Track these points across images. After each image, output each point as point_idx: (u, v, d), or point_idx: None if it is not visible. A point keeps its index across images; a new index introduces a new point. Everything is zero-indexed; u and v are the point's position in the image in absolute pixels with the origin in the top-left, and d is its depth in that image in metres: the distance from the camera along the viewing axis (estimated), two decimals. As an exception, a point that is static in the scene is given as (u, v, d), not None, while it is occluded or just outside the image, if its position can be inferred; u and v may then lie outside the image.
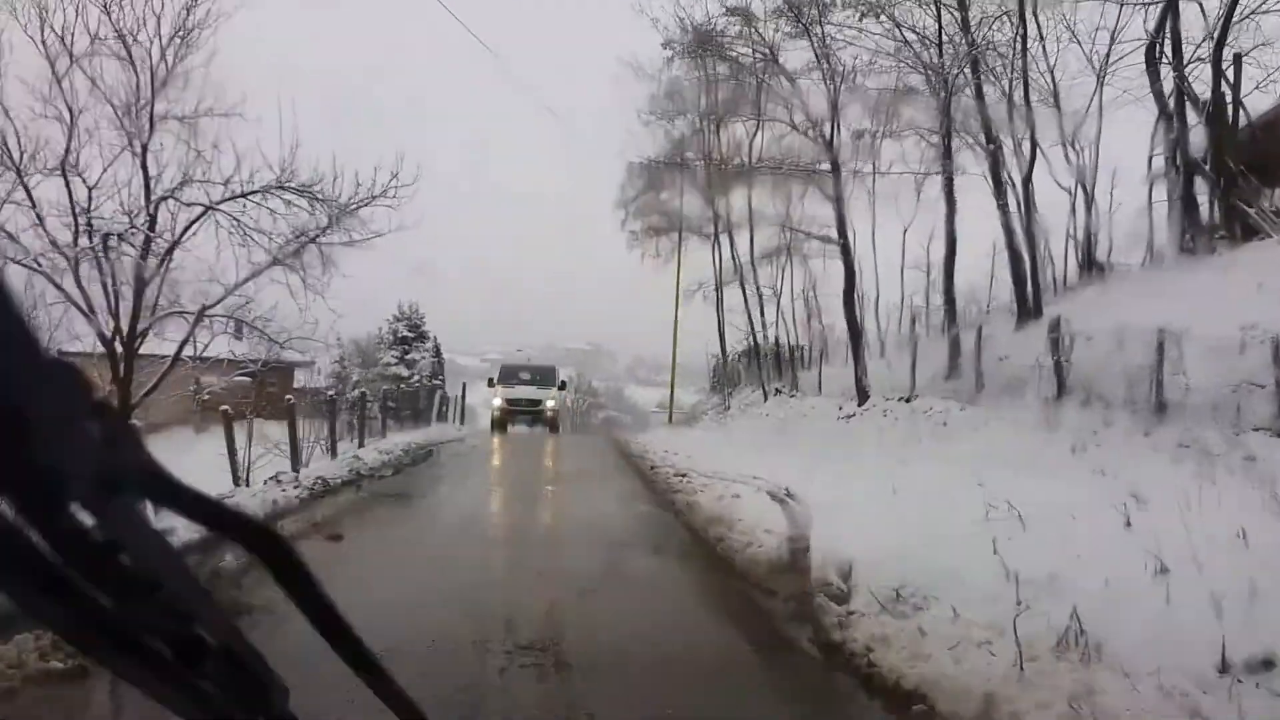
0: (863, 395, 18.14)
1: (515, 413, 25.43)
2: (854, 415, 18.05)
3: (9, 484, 0.49)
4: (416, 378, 38.45)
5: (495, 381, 27.19)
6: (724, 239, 22.79)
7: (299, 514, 8.73)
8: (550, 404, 25.77)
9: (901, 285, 26.41)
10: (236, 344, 19.94)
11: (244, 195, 11.80)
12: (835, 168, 17.65)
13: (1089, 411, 13.20)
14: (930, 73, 16.85)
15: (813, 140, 17.42)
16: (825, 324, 24.27)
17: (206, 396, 19.99)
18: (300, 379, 38.26)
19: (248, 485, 11.04)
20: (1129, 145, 22.25)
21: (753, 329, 23.32)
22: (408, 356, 39.71)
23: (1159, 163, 20.49)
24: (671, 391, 29.73)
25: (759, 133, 18.96)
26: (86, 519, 0.53)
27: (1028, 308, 17.65)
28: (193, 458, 11.29)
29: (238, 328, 23.53)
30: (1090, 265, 21.54)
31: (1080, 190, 21.46)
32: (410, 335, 40.24)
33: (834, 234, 18.21)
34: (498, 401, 26.02)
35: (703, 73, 17.93)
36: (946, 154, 16.87)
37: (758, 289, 22.98)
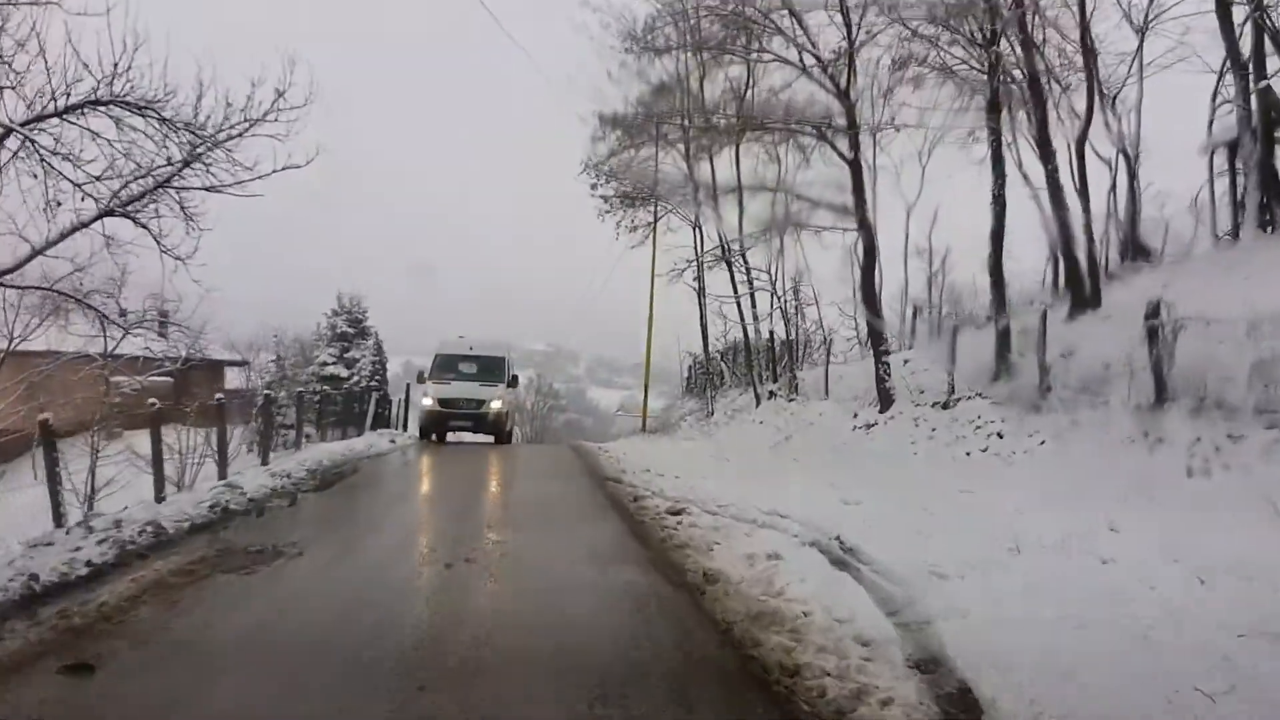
0: (885, 400, 14.91)
1: (452, 416, 19.56)
2: (875, 425, 14.81)
3: None
4: (356, 378, 34.67)
5: (426, 375, 20.72)
6: (709, 210, 19.44)
7: (60, 602, 5.17)
8: (497, 404, 19.59)
9: (905, 272, 23.34)
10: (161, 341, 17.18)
11: (59, 114, 8.18)
12: (851, 119, 14.39)
13: (1202, 421, 10.07)
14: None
15: (823, 86, 14.12)
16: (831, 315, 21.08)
17: (118, 399, 16.32)
18: (238, 380, 34.35)
19: (64, 528, 7.50)
20: (1174, 112, 19.40)
21: (743, 320, 20.03)
22: (347, 355, 35.85)
23: (1216, 130, 17.70)
24: (645, 393, 26.27)
25: (752, 85, 15.64)
26: None
27: (1083, 295, 14.52)
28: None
29: (161, 323, 20.23)
30: (1134, 248, 18.65)
31: (1123, 162, 18.53)
32: (351, 331, 36.39)
33: (848, 204, 14.92)
34: (428, 402, 19.81)
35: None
36: (993, 105, 13.67)
37: (748, 272, 19.65)
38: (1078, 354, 12.73)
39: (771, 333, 19.54)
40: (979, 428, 12.84)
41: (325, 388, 29.33)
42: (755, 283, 19.65)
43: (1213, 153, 16.61)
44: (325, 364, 35.45)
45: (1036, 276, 23.22)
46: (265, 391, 19.57)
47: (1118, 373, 11.92)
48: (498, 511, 8.93)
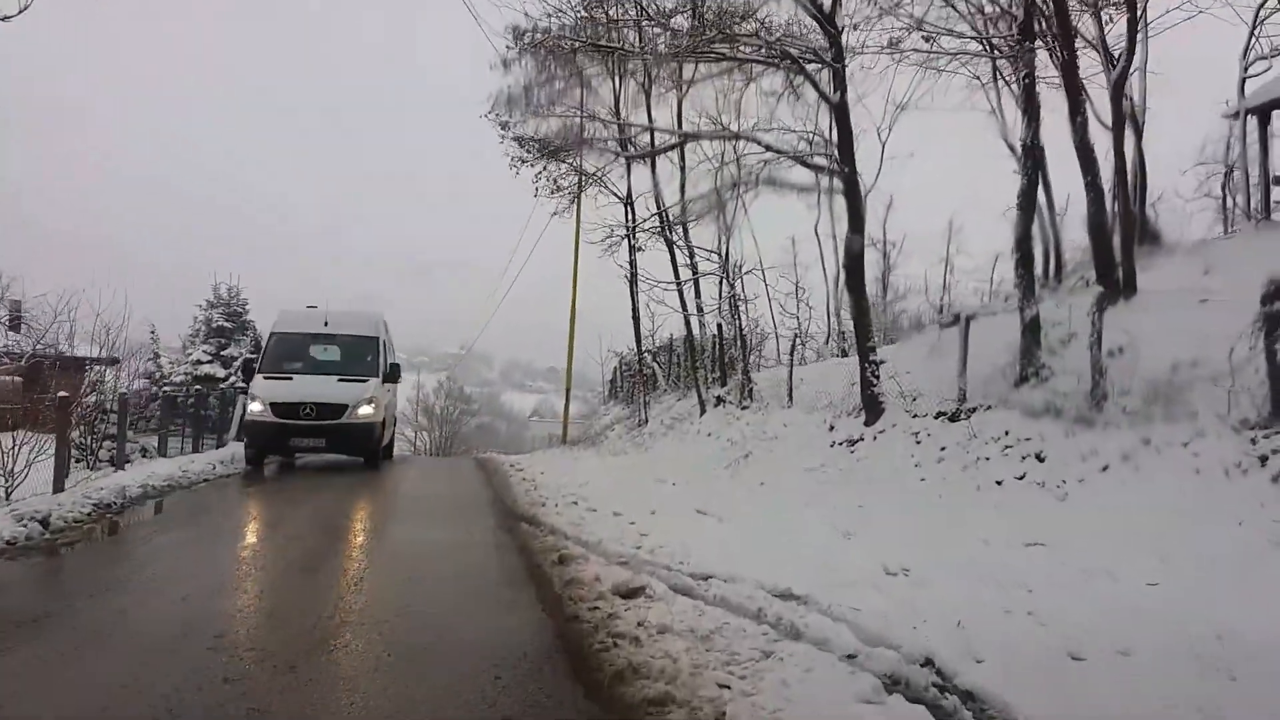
0: (873, 409, 11.81)
1: (295, 430, 13.05)
2: (860, 440, 11.69)
3: None
4: (233, 378, 30.18)
5: (258, 365, 14.70)
6: (645, 173, 16.00)
7: None
8: (366, 410, 13.47)
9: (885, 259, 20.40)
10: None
11: None
12: (838, 50, 11.27)
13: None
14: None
15: (803, 6, 10.98)
16: (795, 303, 17.99)
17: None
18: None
19: None
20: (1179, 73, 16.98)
21: (684, 310, 16.71)
22: (224, 352, 31.29)
23: (1252, 91, 15.26)
24: (567, 398, 22.70)
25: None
26: None
27: (1113, 281, 11.70)
28: None
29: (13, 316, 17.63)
30: (1142, 230, 16.18)
31: (1132, 132, 15.97)
32: (229, 326, 31.80)
33: (825, 158, 11.80)
34: (256, 408, 13.49)
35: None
36: (1026, 28, 10.73)
37: (691, 254, 16.36)
38: (1132, 352, 9.84)
39: (720, 326, 16.32)
40: (1009, 447, 9.80)
41: (198, 388, 24.88)
42: (701, 265, 16.41)
43: (1245, 118, 14.09)
44: (200, 362, 30.83)
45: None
46: (95, 395, 15.39)
47: (1199, 376, 9.10)
48: (328, 608, 5.24)
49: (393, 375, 15.09)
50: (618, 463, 15.51)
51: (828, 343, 19.13)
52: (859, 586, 5.68)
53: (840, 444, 11.95)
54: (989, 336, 11.81)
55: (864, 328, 12.12)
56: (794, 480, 11.35)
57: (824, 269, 18.49)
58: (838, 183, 12.52)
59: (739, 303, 15.64)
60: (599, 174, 17.15)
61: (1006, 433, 10.05)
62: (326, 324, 14.72)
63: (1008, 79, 17.27)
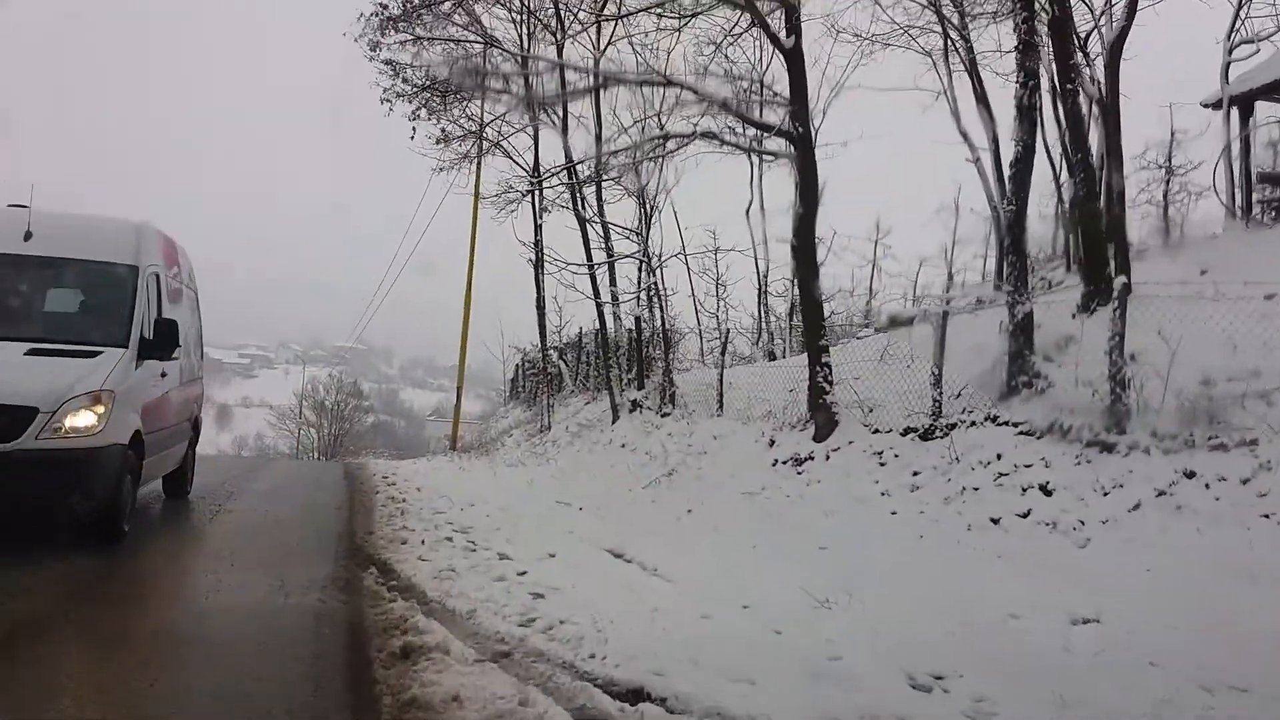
0: (825, 420, 9.73)
1: None
2: (810, 459, 9.58)
3: None
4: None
5: None
6: (552, 121, 13.43)
7: None
8: (84, 419, 6.26)
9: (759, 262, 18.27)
10: None
11: None
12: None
13: None
14: None
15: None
16: (716, 299, 15.80)
17: None
18: None
19: None
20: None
21: (598, 299, 14.33)
22: None
23: (1236, 78, 13.85)
24: (459, 398, 20.00)
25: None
26: None
27: (1104, 279, 9.90)
28: None
29: None
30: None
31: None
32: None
33: (779, 118, 9.71)
34: None
35: None
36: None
37: (606, 234, 14.03)
38: (1146, 360, 8.00)
39: (637, 320, 14.02)
40: (1002, 474, 7.84)
41: None
42: (617, 248, 14.10)
43: (1229, 107, 12.62)
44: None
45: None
46: None
47: (1243, 391, 7.33)
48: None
49: (162, 345, 7.45)
50: (513, 477, 13.06)
51: (758, 343, 17.11)
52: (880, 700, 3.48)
53: (785, 463, 9.82)
54: (954, 339, 9.91)
55: (815, 323, 10.04)
56: (731, 508, 9.15)
57: (755, 260, 16.51)
58: (781, 146, 10.46)
59: (660, 294, 13.45)
60: (498, 121, 14.55)
61: (998, 456, 8.11)
62: (30, 236, 7.41)
63: (963, 54, 15.65)
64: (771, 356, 16.61)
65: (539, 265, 16.40)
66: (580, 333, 17.60)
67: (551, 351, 17.66)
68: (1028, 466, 7.78)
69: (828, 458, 9.46)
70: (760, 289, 16.83)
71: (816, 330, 9.94)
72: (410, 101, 11.10)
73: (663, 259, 13.84)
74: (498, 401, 35.12)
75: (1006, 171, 9.38)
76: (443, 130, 13.35)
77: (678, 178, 14.50)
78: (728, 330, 13.60)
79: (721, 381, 12.07)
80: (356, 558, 6.84)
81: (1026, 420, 8.26)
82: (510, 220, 15.56)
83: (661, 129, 11.05)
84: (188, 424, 9.36)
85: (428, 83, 10.78)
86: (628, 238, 13.62)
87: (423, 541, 7.33)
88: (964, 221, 17.49)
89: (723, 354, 12.44)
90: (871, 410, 9.94)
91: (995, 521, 7.42)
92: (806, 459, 9.63)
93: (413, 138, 13.13)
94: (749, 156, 17.41)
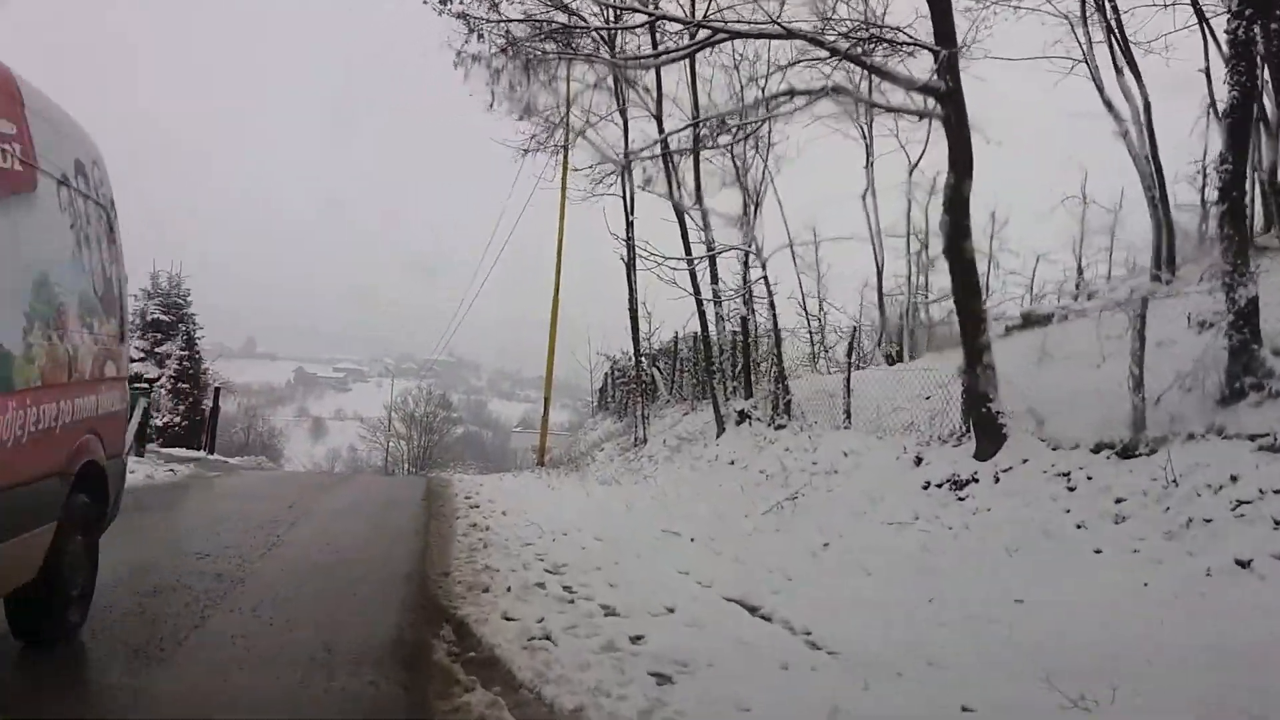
0: (990, 435, 8.00)
1: None
2: (973, 481, 7.86)
3: None
4: (164, 380, 26.17)
5: None
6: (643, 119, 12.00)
7: None
8: None
9: (878, 253, 16.40)
10: None
11: None
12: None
13: None
14: None
15: None
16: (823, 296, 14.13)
17: None
18: None
19: None
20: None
21: (698, 296, 12.81)
22: (159, 349, 27.25)
23: None
24: (546, 412, 18.67)
25: None
26: None
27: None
28: None
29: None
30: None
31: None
32: (166, 320, 27.75)
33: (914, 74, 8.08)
34: None
35: None
36: None
37: (704, 216, 12.46)
38: None
39: (744, 320, 12.45)
40: (1242, 501, 6.06)
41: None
42: (718, 239, 12.55)
43: None
44: (130, 360, 26.76)
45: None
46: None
47: None
48: None
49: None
50: (608, 498, 11.64)
51: (879, 344, 15.34)
52: None
53: (939, 486, 8.12)
54: (1120, 337, 8.09)
55: (974, 317, 8.31)
56: (878, 541, 7.51)
57: (875, 250, 14.76)
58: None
59: (768, 290, 11.86)
60: (583, 100, 13.21)
61: (1233, 478, 6.29)
62: None
63: (1107, 14, 13.71)
64: (890, 360, 14.86)
65: (631, 264, 15.01)
66: (676, 337, 16.14)
67: (644, 357, 16.22)
68: (1277, 492, 5.97)
69: (996, 480, 7.73)
70: (879, 283, 15.08)
71: (977, 325, 8.23)
72: (488, 65, 9.96)
73: (760, 254, 12.19)
74: (585, 412, 33.91)
75: (1212, 125, 7.51)
76: (526, 106, 12.16)
77: (778, 165, 12.93)
78: (855, 329, 11.88)
79: (849, 388, 10.41)
80: (427, 611, 5.47)
81: (1269, 432, 6.44)
82: (599, 214, 14.24)
83: (766, 91, 9.49)
84: (57, 480, 4.20)
85: (507, 41, 9.56)
86: (732, 226, 12.06)
87: (509, 588, 5.93)
88: (1091, 211, 15.35)
89: (849, 356, 10.79)
90: (1043, 421, 8.18)
91: (1244, 564, 5.63)
92: (968, 481, 7.91)
93: (491, 106, 11.99)
94: (862, 134, 15.80)
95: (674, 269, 12.51)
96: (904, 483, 8.52)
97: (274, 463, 37.71)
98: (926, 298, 16.00)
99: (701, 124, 11.01)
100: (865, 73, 9.11)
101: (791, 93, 8.21)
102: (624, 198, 14.95)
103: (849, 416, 10.39)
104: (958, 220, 8.23)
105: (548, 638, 4.74)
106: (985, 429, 8.03)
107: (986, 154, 8.84)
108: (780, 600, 5.79)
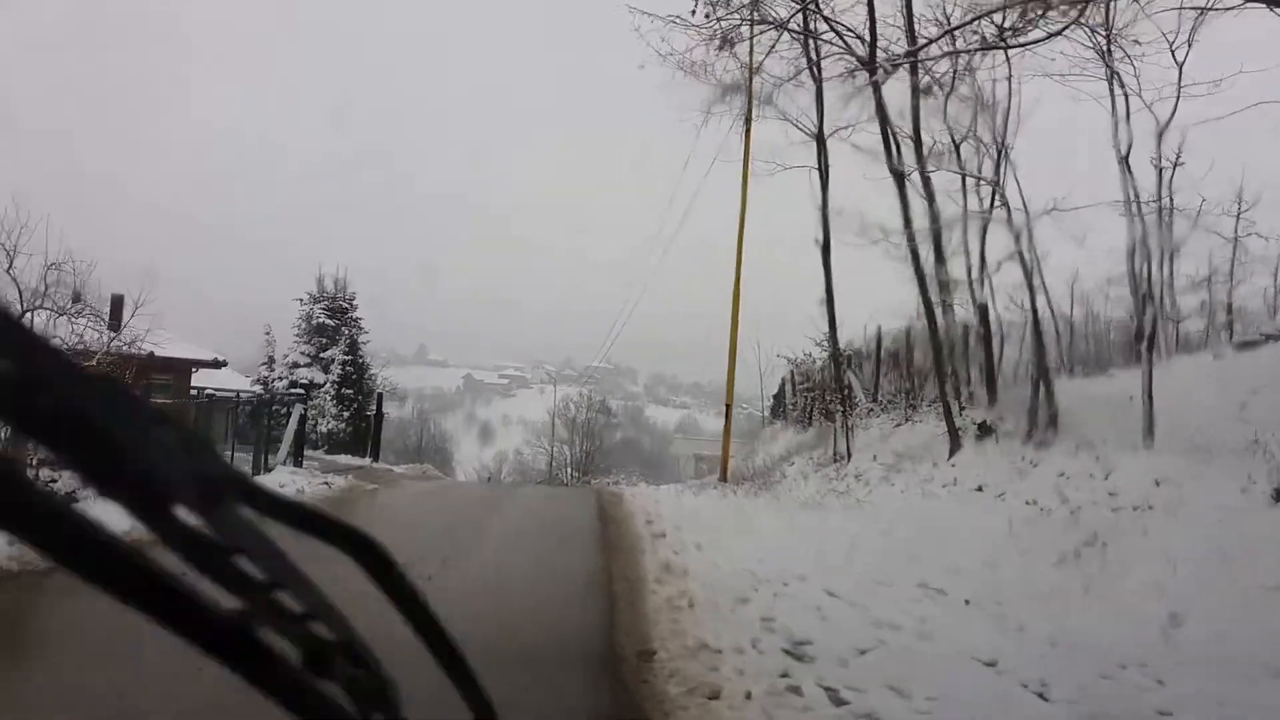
0: None
1: None
2: None
3: (114, 486, 0.47)
4: (329, 385, 25.95)
5: None
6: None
7: None
8: None
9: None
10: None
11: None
12: None
13: None
14: None
15: None
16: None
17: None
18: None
19: None
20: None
21: (920, 276, 10.38)
22: (324, 355, 27.13)
23: None
24: (728, 420, 16.51)
25: None
26: (192, 521, 0.52)
27: None
28: None
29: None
30: None
31: None
32: (331, 324, 27.65)
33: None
34: None
35: None
36: None
37: (923, 176, 10.03)
38: None
39: (984, 309, 10.02)
40: None
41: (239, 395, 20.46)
42: (944, 207, 10.17)
43: None
44: (296, 365, 26.79)
45: None
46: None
47: None
48: None
49: None
50: (818, 528, 9.48)
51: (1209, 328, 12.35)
52: None
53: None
54: None
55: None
56: (1263, 619, 5.07)
57: (1160, 213, 11.77)
58: None
59: (1033, 262, 9.31)
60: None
61: None
62: None
63: None
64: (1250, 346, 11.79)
65: (826, 246, 12.82)
66: (879, 332, 13.75)
67: (847, 353, 13.87)
68: None
69: None
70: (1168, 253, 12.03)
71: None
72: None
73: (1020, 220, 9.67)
74: (753, 419, 31.67)
75: None
76: (721, 35, 10.25)
77: (1019, 118, 10.38)
78: (1153, 308, 8.89)
79: (1150, 394, 7.85)
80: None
81: None
82: (767, 204, 12.24)
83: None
84: None
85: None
86: (978, 186, 9.62)
87: (748, 694, 3.95)
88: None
89: (1148, 348, 8.14)
90: None
91: None
92: None
93: (693, 12, 10.37)
94: (1110, 86, 12.88)
95: (894, 242, 10.20)
96: (1253, 525, 6.00)
97: (441, 470, 37.55)
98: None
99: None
100: None
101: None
102: (819, 169, 12.83)
103: (1151, 432, 7.82)
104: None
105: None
106: None
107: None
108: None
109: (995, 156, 10.28)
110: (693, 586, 6.29)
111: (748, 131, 13.99)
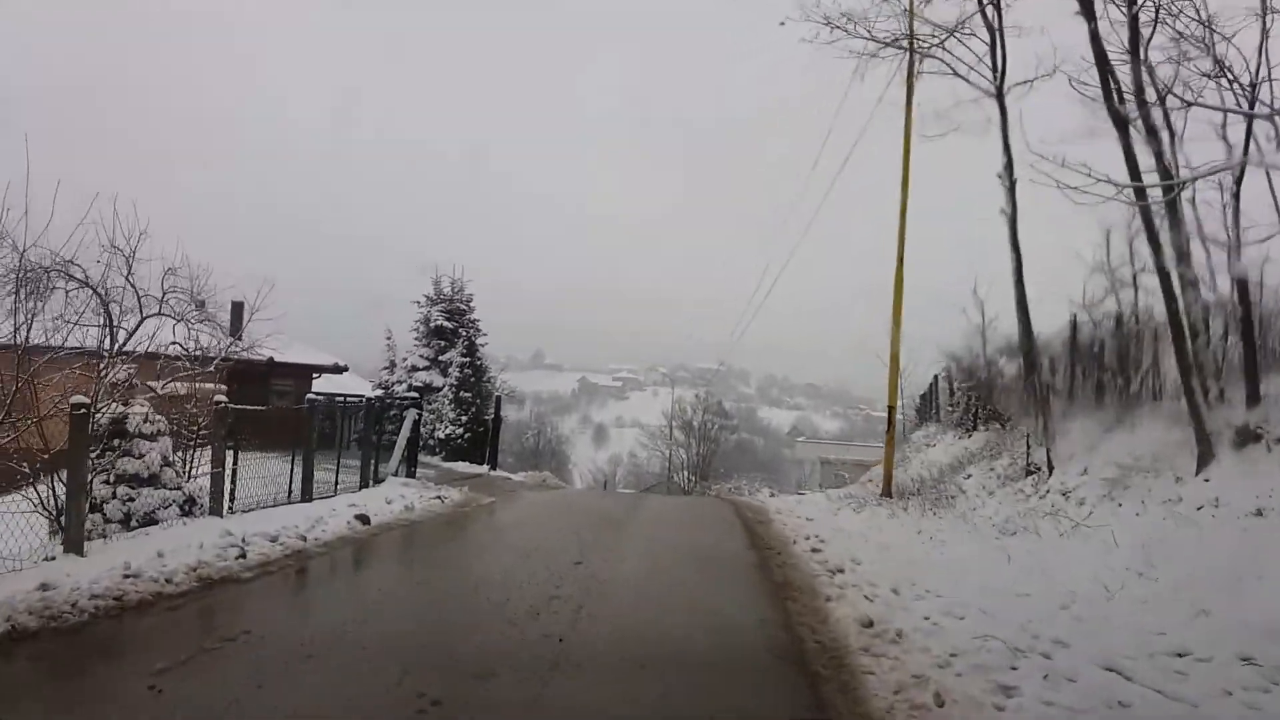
0: None
1: None
2: None
3: None
4: (447, 389, 25.08)
5: None
6: None
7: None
8: None
9: None
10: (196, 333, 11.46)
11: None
12: None
13: None
14: None
15: None
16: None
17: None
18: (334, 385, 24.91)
19: None
20: None
21: (1154, 246, 8.20)
22: (442, 358, 26.31)
23: None
24: (890, 426, 14.31)
25: None
26: None
27: None
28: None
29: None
30: None
31: None
32: (449, 326, 26.80)
33: None
34: None
35: None
36: None
37: (1166, 122, 7.92)
38: None
39: (1242, 283, 7.87)
40: None
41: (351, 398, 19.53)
42: (1191, 154, 8.03)
43: None
44: (415, 369, 26.06)
45: None
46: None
47: None
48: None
49: None
50: (1039, 561, 7.50)
51: None
52: None
53: None
54: None
55: None
56: None
57: None
58: None
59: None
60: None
61: None
62: None
63: None
64: None
65: (1013, 218, 10.75)
66: (1074, 320, 11.50)
67: (1040, 342, 11.68)
68: None
69: None
70: None
71: None
72: None
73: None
74: (858, 422, 29.23)
75: None
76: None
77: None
78: None
79: None
80: None
81: None
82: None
83: None
84: None
85: None
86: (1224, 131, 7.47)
87: None
88: None
89: None
90: None
91: None
92: None
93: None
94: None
95: (1121, 200, 8.10)
96: None
97: (560, 477, 36.49)
98: None
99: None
100: None
101: None
102: (1002, 127, 10.80)
103: None
104: None
105: None
106: None
107: None
108: None
109: (1249, 93, 8.10)
110: (922, 662, 4.52)
111: (910, 92, 11.97)
